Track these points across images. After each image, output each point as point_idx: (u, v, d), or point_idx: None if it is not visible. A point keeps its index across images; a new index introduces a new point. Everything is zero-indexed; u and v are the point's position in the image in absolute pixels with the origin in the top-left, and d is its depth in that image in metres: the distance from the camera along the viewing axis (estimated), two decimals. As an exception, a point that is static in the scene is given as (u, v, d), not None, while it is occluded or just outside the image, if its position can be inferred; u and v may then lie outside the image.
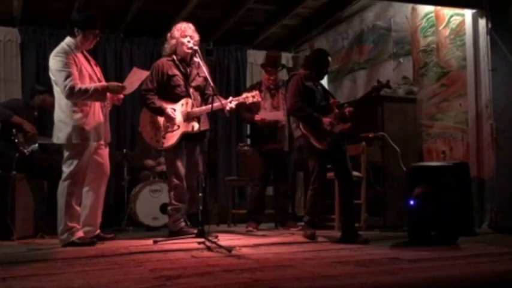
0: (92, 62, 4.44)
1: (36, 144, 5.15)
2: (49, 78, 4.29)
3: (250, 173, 5.77)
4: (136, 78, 4.35)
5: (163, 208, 5.74)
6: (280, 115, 5.48)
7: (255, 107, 5.38)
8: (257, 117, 5.46)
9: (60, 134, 4.19)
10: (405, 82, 5.97)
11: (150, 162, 6.40)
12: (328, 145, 4.46)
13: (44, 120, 5.61)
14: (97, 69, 4.44)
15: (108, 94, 4.31)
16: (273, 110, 5.54)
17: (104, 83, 4.30)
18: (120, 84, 4.29)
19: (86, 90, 4.10)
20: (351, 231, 4.41)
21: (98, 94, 4.16)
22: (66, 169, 4.19)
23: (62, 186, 4.19)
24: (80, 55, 4.27)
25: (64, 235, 4.18)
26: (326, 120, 4.48)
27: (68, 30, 4.30)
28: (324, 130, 4.46)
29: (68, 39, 4.26)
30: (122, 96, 4.41)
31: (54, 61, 4.17)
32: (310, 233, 4.50)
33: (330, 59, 4.78)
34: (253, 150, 5.73)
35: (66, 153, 4.22)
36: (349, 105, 4.57)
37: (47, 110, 5.46)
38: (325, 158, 4.57)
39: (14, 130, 5.10)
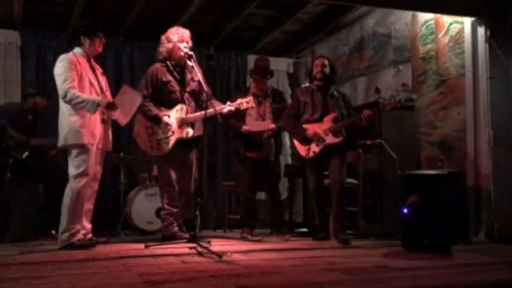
0: (98, 71, 4.53)
1: (27, 152, 5.16)
2: (49, 81, 4.37)
3: (237, 179, 5.75)
4: (128, 99, 4.36)
5: (158, 212, 5.73)
6: (266, 125, 5.34)
7: (240, 113, 5.18)
8: (244, 128, 5.35)
9: (61, 136, 4.30)
10: (404, 89, 5.95)
11: None
12: (312, 153, 4.88)
13: (38, 122, 5.64)
14: (103, 79, 4.52)
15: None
16: (259, 119, 5.39)
17: (96, 97, 4.31)
18: (110, 100, 4.32)
19: (78, 97, 4.18)
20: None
21: (89, 106, 4.18)
22: (73, 171, 4.27)
23: (69, 187, 4.27)
24: (83, 61, 4.36)
25: (64, 235, 4.23)
26: (310, 132, 4.90)
27: (67, 35, 4.37)
28: (307, 140, 4.92)
29: (76, 48, 4.41)
30: (113, 115, 4.42)
31: (56, 67, 4.31)
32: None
33: (319, 62, 5.06)
34: (237, 159, 5.59)
35: (69, 157, 4.31)
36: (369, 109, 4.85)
37: (40, 112, 5.49)
38: (315, 165, 4.95)
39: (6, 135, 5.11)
